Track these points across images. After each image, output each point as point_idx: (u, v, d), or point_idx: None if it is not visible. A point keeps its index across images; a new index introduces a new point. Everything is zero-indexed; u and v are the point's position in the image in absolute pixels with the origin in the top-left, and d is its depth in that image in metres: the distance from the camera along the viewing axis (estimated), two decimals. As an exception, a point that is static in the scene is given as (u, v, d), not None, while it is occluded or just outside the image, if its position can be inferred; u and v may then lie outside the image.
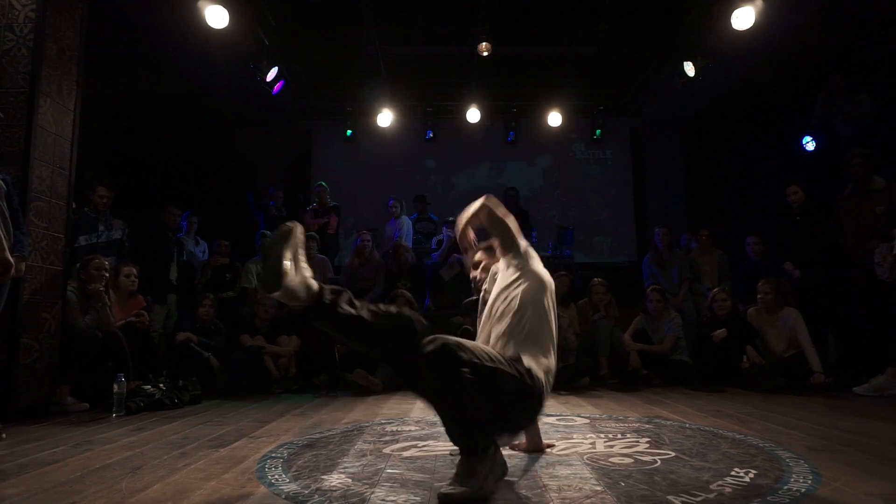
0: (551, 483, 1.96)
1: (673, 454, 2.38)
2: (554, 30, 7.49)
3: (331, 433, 3.02)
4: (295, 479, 2.08)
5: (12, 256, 3.24)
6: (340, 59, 8.01)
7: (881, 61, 6.70)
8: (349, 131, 9.28)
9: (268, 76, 6.96)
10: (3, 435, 2.98)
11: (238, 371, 5.27)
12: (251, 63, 6.73)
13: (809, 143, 7.56)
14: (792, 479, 1.94)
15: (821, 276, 5.35)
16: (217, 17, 5.65)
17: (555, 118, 8.73)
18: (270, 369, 5.29)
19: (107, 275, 4.46)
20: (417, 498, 1.82)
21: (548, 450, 2.49)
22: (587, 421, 3.28)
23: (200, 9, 5.58)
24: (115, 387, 3.78)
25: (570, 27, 7.28)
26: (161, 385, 4.19)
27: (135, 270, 4.88)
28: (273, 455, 2.48)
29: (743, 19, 5.85)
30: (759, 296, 5.11)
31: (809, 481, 1.92)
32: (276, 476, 2.12)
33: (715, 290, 5.48)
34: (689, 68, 6.94)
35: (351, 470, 2.20)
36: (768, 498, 1.75)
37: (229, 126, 8.97)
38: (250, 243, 7.06)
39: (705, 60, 6.78)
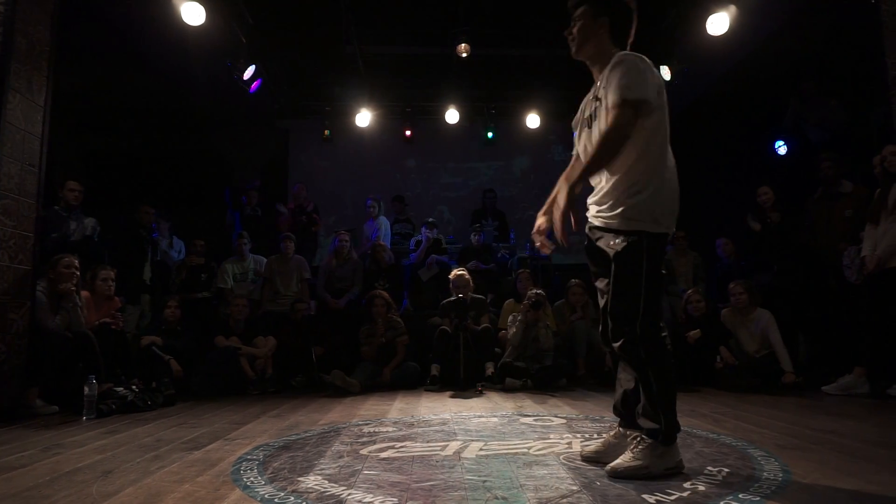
0: (528, 483, 1.97)
1: (648, 453, 2.40)
2: (532, 32, 7.53)
3: (307, 434, 3.00)
4: (271, 481, 2.06)
5: None
6: (319, 59, 7.97)
7: (851, 69, 6.86)
8: (327, 131, 9.23)
9: (245, 74, 6.89)
10: None
11: (213, 372, 5.20)
12: (228, 61, 6.65)
13: (781, 147, 7.71)
14: (763, 477, 1.98)
15: (792, 278, 5.46)
16: (193, 14, 5.57)
17: (533, 120, 8.78)
18: (246, 370, 5.24)
19: (77, 273, 4.37)
20: (394, 499, 1.81)
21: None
22: (564, 421, 3.30)
23: (176, 5, 5.51)
24: (86, 389, 3.70)
25: (548, 29, 7.32)
26: (134, 387, 4.12)
27: (112, 274, 4.80)
28: (248, 457, 2.46)
29: (718, 25, 5.95)
30: (731, 297, 5.20)
31: (780, 479, 1.95)
32: (252, 478, 2.10)
33: (689, 291, 5.56)
34: (665, 72, 7.04)
35: (328, 471, 2.19)
36: (740, 495, 1.78)
37: (206, 124, 8.84)
38: (226, 243, 6.98)
39: (681, 65, 6.89)
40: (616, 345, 2.11)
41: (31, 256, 4.05)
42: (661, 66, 7.06)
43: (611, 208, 2.14)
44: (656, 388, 2.07)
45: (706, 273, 6.59)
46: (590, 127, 2.24)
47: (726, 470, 2.09)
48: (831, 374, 4.66)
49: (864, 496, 1.75)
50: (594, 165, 2.11)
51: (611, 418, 3.36)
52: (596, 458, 2.25)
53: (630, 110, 2.04)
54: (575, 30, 2.32)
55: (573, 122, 2.38)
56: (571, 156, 2.50)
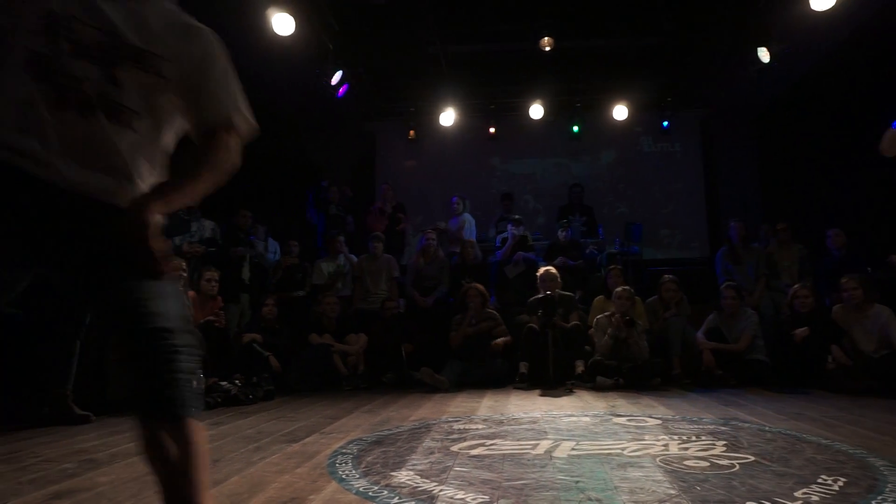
0: (623, 485, 1.91)
1: (752, 458, 2.27)
2: (617, 21, 7.30)
3: (399, 430, 3.06)
4: (364, 474, 2.11)
5: None
6: (403, 60, 8.09)
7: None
8: (412, 131, 9.34)
9: (332, 80, 7.12)
10: (93, 417, 3.33)
11: (308, 368, 5.42)
12: (316, 68, 6.89)
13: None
14: (887, 489, 1.81)
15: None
16: (284, 25, 5.82)
17: (620, 111, 8.52)
18: (339, 367, 5.41)
19: (185, 275, 4.67)
20: (485, 497, 1.81)
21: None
22: (659, 422, 3.18)
23: (268, 17, 5.76)
24: (194, 383, 3.94)
25: (633, 18, 7.08)
26: (236, 381, 4.36)
27: (216, 275, 5.09)
28: (343, 451, 2.53)
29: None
30: (844, 293, 4.81)
31: (907, 491, 1.78)
32: (347, 471, 2.16)
33: (796, 286, 5.20)
34: (764, 54, 6.60)
35: (419, 467, 2.21)
36: (860, 508, 1.64)
37: (296, 130, 9.21)
38: (315, 243, 7.25)
39: (781, 44, 6.44)
40: None
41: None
42: (759, 48, 6.63)
43: None
44: None
45: (813, 267, 6.14)
46: None
47: (843, 480, 1.94)
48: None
49: None
50: None
51: (709, 419, 3.21)
52: None
53: None
54: None
55: None
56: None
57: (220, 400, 4.11)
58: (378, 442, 2.74)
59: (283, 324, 5.66)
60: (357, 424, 3.27)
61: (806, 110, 8.24)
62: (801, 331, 4.81)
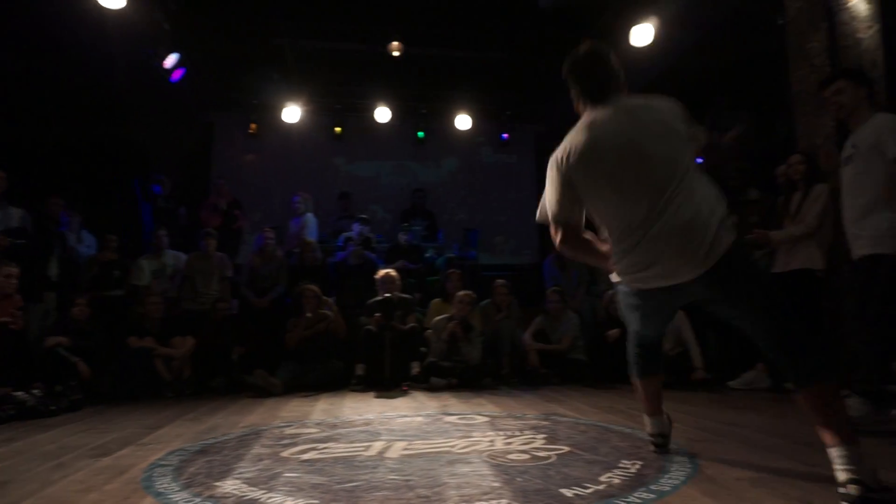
0: (451, 481, 1.98)
1: (567, 449, 2.48)
2: (465, 33, 7.59)
3: (226, 438, 2.91)
4: (186, 486, 1.99)
5: None
6: (246, 49, 7.72)
7: (760, 84, 7.30)
8: (254, 125, 8.94)
9: (166, 62, 6.59)
10: None
11: (125, 374, 4.96)
12: (149, 48, 6.34)
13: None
14: (673, 469, 2.08)
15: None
16: (112, -4, 5.29)
17: (463, 121, 8.86)
18: (161, 372, 5.02)
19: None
20: (315, 501, 1.79)
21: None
22: (487, 419, 3.35)
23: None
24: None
25: (479, 32, 7.40)
26: (35, 391, 3.86)
27: (16, 272, 4.48)
28: (162, 463, 2.35)
29: (641, 36, 6.19)
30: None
31: (688, 470, 2.06)
32: (165, 485, 2.01)
33: (610, 291, 5.77)
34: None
35: (247, 475, 2.12)
36: (651, 486, 1.86)
37: (122, 114, 8.37)
38: (140, 238, 6.64)
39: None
40: None
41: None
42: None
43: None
44: None
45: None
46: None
47: (640, 463, 2.19)
48: (737, 369, 4.95)
49: (762, 480, 1.88)
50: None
51: (532, 415, 3.44)
52: None
53: None
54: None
55: None
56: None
57: (13, 413, 3.61)
58: (202, 451, 2.58)
59: (96, 325, 5.13)
60: (179, 434, 3.06)
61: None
62: (614, 332, 5.33)
